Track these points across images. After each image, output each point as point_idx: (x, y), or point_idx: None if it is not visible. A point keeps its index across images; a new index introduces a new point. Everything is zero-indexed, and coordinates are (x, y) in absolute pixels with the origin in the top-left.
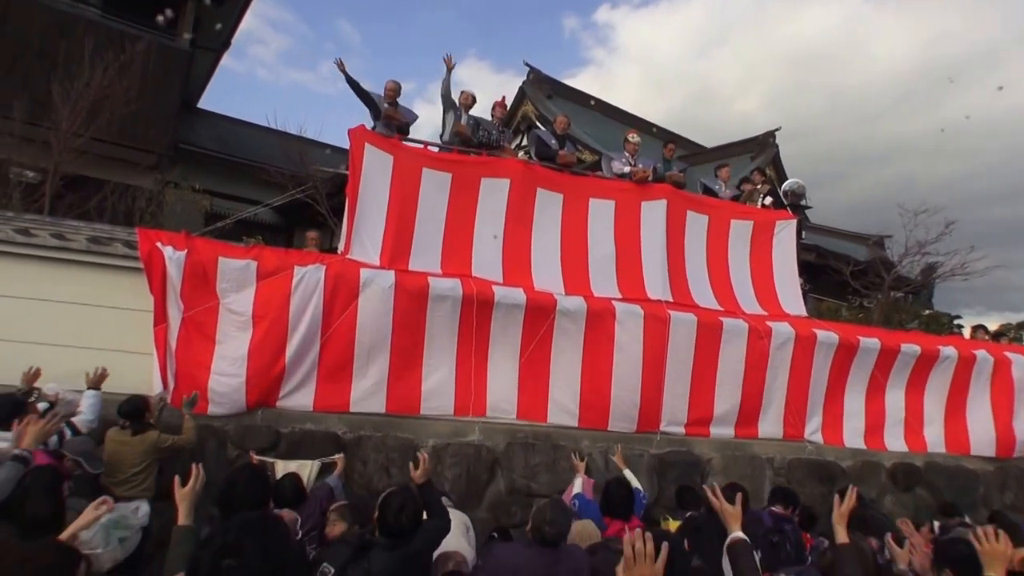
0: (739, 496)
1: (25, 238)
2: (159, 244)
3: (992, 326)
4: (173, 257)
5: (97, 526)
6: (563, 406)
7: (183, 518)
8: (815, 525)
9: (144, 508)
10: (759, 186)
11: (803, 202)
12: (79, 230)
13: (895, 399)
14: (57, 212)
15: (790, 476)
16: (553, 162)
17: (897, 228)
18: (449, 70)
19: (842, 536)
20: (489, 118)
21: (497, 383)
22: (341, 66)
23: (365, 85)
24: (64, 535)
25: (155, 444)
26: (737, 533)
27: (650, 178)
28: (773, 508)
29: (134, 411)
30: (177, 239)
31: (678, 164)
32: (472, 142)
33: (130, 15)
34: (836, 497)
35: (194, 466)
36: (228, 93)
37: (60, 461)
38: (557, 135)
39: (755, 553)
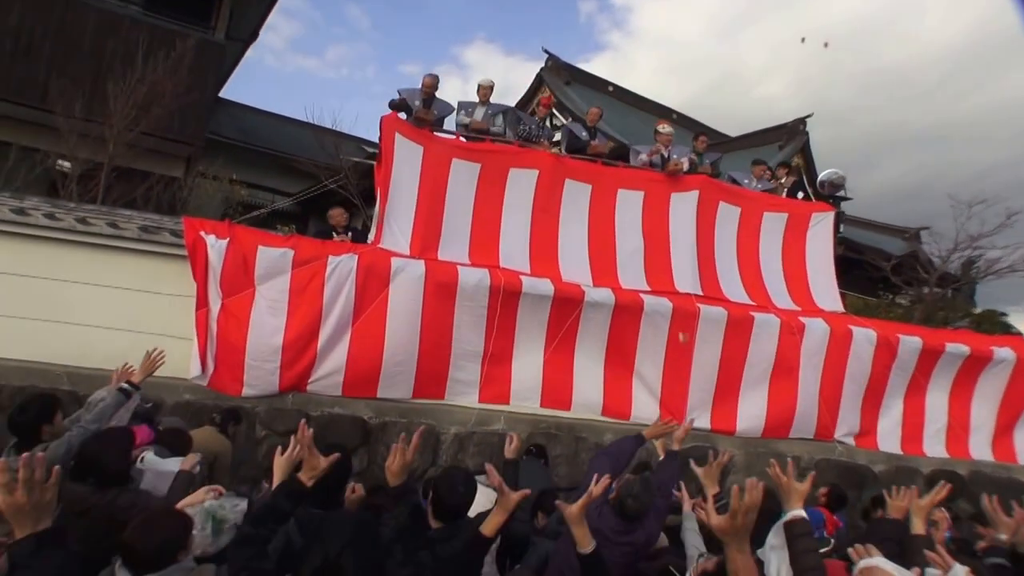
0: (811, 475)
1: (84, 227)
2: (203, 232)
3: None
4: (215, 245)
5: (199, 508)
6: (587, 397)
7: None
8: (843, 506)
9: (242, 505)
10: (783, 180)
11: (841, 193)
12: (131, 219)
13: (937, 402)
14: (107, 203)
15: (818, 478)
16: (584, 154)
17: (938, 218)
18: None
19: (919, 527)
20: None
21: (522, 372)
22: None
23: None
24: (178, 505)
25: None
26: (799, 511)
27: (684, 170)
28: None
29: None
30: (220, 227)
31: (710, 156)
32: (492, 132)
33: (170, 12)
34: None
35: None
36: (242, 80)
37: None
38: (588, 127)
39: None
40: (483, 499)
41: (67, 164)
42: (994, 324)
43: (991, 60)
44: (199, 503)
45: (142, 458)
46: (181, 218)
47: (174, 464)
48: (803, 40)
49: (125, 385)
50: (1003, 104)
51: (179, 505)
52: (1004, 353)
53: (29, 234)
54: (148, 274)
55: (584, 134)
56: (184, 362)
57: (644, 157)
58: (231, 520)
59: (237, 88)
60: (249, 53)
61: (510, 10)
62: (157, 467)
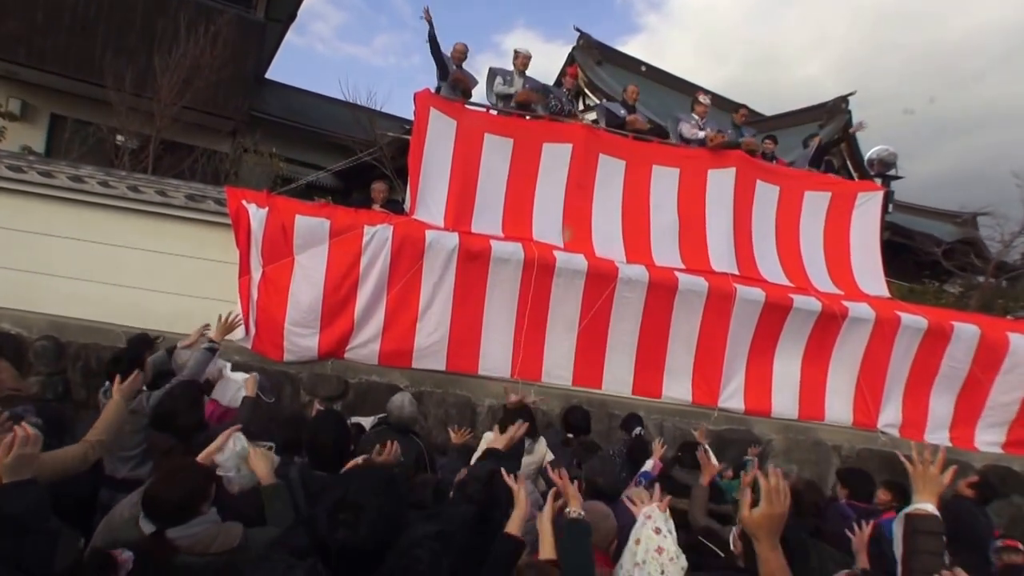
0: (953, 468)
1: (135, 194)
2: (244, 202)
3: None
4: (256, 214)
5: (231, 453)
6: (618, 374)
7: (267, 478)
8: (991, 501)
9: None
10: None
11: (892, 172)
12: (179, 188)
13: (996, 395)
14: (156, 175)
15: (859, 466)
16: (621, 127)
17: (996, 204)
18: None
19: None
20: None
21: (554, 348)
22: (428, 16)
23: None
24: (201, 456)
25: None
26: (928, 505)
27: (729, 138)
28: (852, 502)
29: None
30: (259, 197)
31: (748, 130)
32: (533, 108)
33: None
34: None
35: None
36: (292, 66)
37: None
38: (628, 104)
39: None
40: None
41: (122, 138)
42: None
43: None
44: (222, 444)
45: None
46: (224, 188)
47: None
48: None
49: (209, 343)
50: None
51: (206, 453)
52: None
53: (86, 200)
54: (195, 240)
55: (623, 112)
56: None
57: (685, 128)
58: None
59: (288, 72)
60: (299, 40)
61: None
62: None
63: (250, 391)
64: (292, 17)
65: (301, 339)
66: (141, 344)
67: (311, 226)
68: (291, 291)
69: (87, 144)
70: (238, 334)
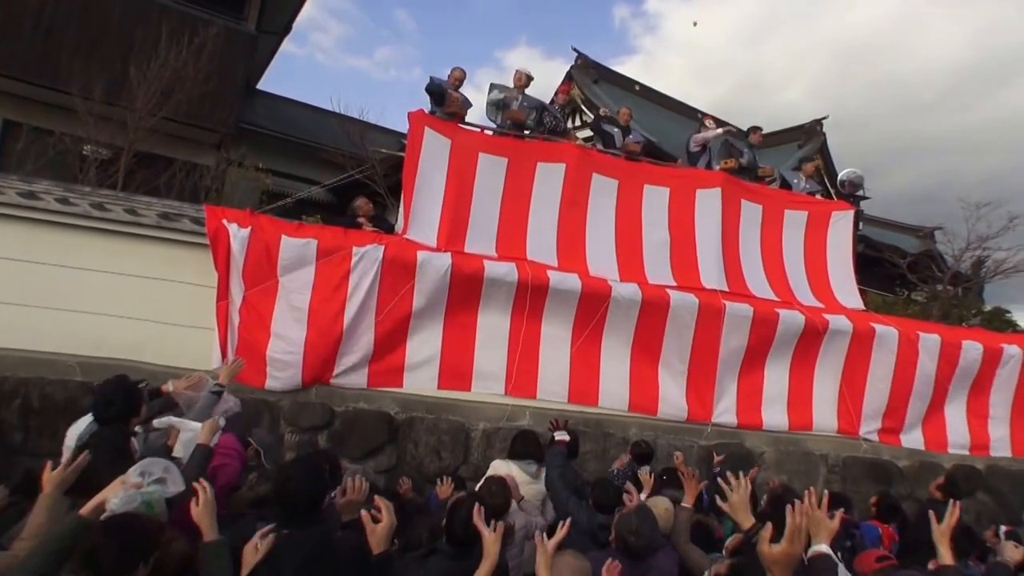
0: (839, 513)
1: (100, 213)
2: (225, 221)
3: None
4: (237, 234)
5: (129, 497)
6: (613, 392)
7: (209, 533)
8: (896, 515)
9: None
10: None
11: (860, 192)
12: (150, 206)
13: (957, 399)
14: (128, 188)
15: (845, 474)
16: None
17: (948, 220)
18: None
19: (947, 557)
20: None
21: (548, 367)
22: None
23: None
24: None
25: None
26: (822, 547)
27: (744, 162)
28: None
29: None
30: (242, 216)
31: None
32: (527, 126)
33: (201, 1)
34: (931, 513)
35: (198, 484)
36: (290, 77)
37: (245, 448)
38: (620, 125)
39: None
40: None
41: (96, 150)
42: (1002, 322)
43: (989, 75)
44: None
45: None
46: (202, 205)
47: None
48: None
49: (215, 386)
50: (1004, 116)
51: (96, 500)
52: (1012, 350)
53: (39, 219)
54: (168, 262)
55: (616, 131)
56: (206, 352)
57: (699, 136)
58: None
59: (287, 84)
60: (299, 50)
61: (549, 15)
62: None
63: (203, 439)
64: (287, 29)
65: (285, 365)
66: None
67: (297, 247)
68: (275, 315)
69: (47, 154)
70: (214, 362)
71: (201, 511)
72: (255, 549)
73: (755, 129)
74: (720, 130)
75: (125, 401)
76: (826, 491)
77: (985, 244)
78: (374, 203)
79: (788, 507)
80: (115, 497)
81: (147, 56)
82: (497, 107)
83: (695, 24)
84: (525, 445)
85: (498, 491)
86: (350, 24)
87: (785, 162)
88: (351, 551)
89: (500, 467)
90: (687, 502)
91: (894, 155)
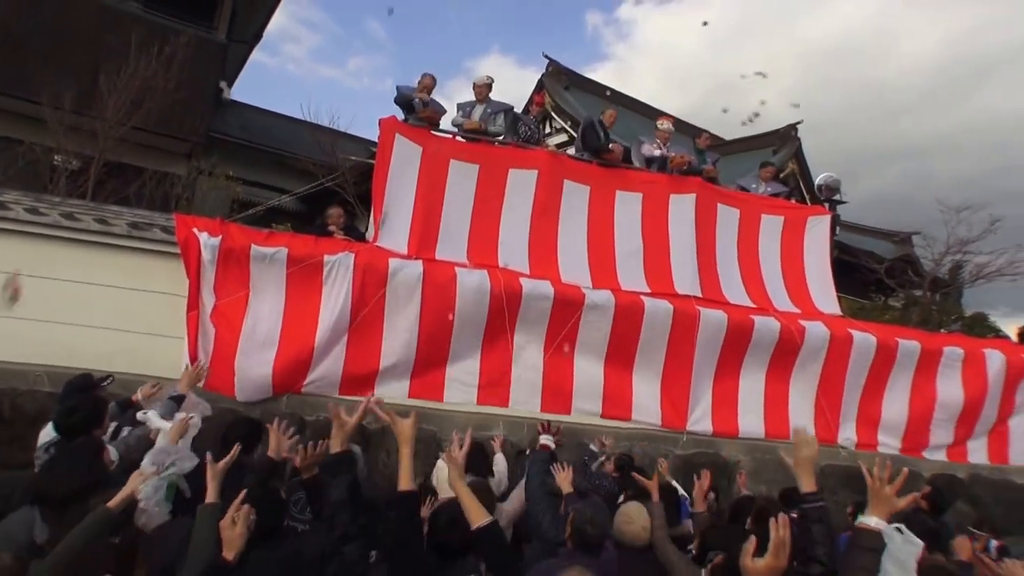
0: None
1: (70, 222)
2: (195, 230)
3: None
4: (208, 243)
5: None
6: (587, 400)
7: (211, 496)
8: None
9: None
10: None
11: (837, 197)
12: (120, 215)
13: (937, 405)
14: (98, 198)
15: (823, 483)
16: (596, 153)
17: (925, 224)
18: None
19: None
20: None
21: (521, 375)
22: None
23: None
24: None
25: None
26: (876, 520)
27: (692, 163)
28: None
29: None
30: (212, 225)
31: (711, 155)
32: (497, 131)
33: (171, 9)
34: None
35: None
36: (262, 87)
37: None
38: (604, 128)
39: None
40: None
41: (66, 159)
42: (984, 327)
43: (965, 78)
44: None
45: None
46: (172, 215)
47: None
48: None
49: (174, 394)
50: (980, 118)
51: (122, 494)
52: (995, 356)
53: (8, 229)
54: (138, 272)
55: (602, 133)
56: (177, 362)
57: (647, 148)
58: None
59: (258, 94)
60: (271, 61)
61: (522, 24)
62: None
63: (172, 439)
64: (257, 38)
65: (256, 374)
66: (84, 390)
67: (267, 256)
68: (245, 324)
69: (17, 164)
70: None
71: (212, 472)
72: (232, 523)
73: (701, 133)
74: (658, 152)
75: (88, 412)
76: (904, 468)
77: (965, 248)
78: (345, 212)
79: (772, 520)
80: (142, 487)
81: (117, 65)
82: (457, 127)
83: (704, 24)
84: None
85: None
86: (322, 34)
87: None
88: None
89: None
90: (655, 498)
91: (871, 159)
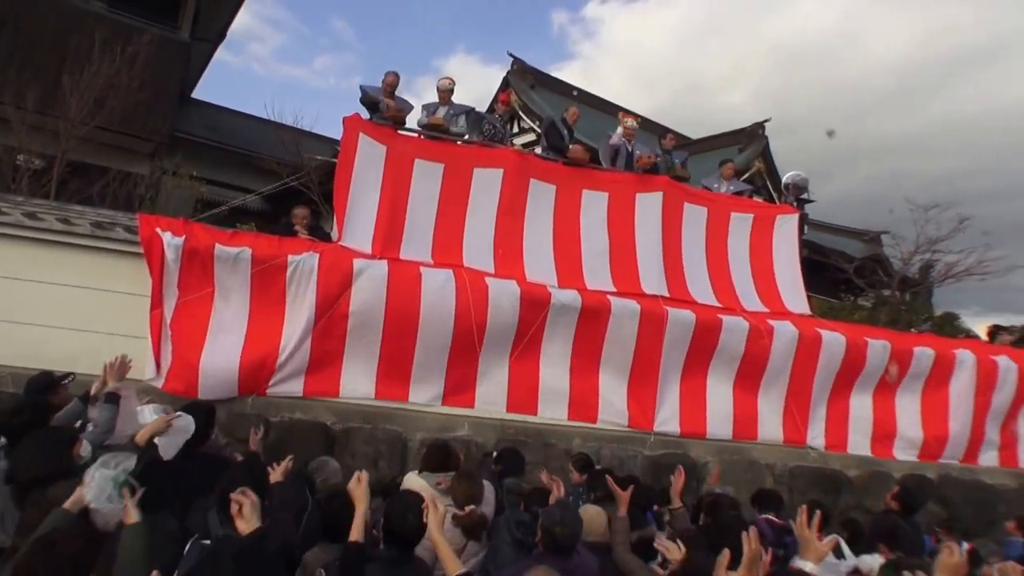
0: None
1: (33, 222)
2: (158, 230)
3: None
4: (171, 243)
5: (99, 477)
6: (553, 400)
7: (131, 514)
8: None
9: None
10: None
11: (805, 195)
12: (83, 215)
13: (906, 405)
14: (61, 198)
15: (792, 484)
16: (561, 153)
17: (895, 224)
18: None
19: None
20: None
21: (487, 375)
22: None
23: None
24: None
25: None
26: (809, 565)
27: (657, 163)
28: (768, 516)
29: None
30: (176, 225)
31: (678, 154)
32: (460, 132)
33: (134, 9)
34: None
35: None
36: (227, 86)
37: None
38: (568, 126)
39: None
40: None
41: (29, 159)
42: (953, 327)
43: (932, 78)
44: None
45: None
46: (136, 214)
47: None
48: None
49: (107, 395)
50: (948, 118)
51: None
52: (965, 356)
53: None
54: (101, 272)
55: (565, 132)
56: (141, 362)
57: (614, 139)
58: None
59: (223, 93)
60: (236, 60)
61: (488, 22)
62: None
63: (140, 439)
64: (221, 37)
65: (221, 375)
66: (44, 388)
67: (232, 256)
68: (211, 324)
69: None
70: (148, 372)
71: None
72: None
73: (667, 132)
74: (620, 131)
75: (32, 413)
76: (818, 511)
77: (934, 247)
78: (311, 212)
79: (744, 535)
80: (87, 489)
81: (80, 65)
82: (426, 127)
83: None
84: (437, 458)
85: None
86: (288, 33)
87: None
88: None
89: (412, 481)
90: (621, 512)
91: (840, 158)
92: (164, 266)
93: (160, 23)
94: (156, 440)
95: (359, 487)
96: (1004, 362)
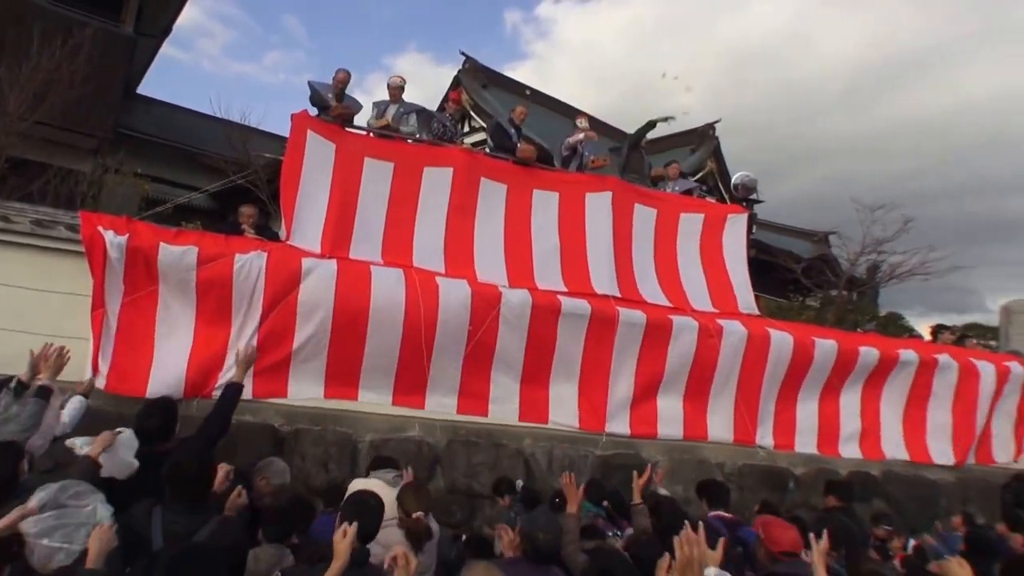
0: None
1: None
2: (101, 228)
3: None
4: (114, 241)
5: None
6: (504, 401)
7: (94, 559)
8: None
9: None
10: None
11: (754, 196)
12: (23, 212)
13: (851, 404)
14: (0, 195)
15: (741, 482)
16: (510, 152)
17: (843, 224)
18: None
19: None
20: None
21: (438, 375)
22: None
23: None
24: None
25: None
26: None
27: (606, 166)
28: (718, 512)
29: None
30: (119, 223)
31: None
32: (409, 132)
33: (75, 2)
34: (812, 536)
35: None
36: (174, 82)
37: None
38: (515, 125)
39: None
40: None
41: None
42: (897, 327)
43: (881, 80)
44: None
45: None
46: (77, 212)
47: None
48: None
49: (38, 388)
50: (897, 120)
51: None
52: (908, 355)
53: None
54: (41, 271)
55: (512, 131)
56: (82, 364)
57: (570, 140)
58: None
59: (171, 90)
60: (185, 56)
61: (441, 21)
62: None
63: (93, 452)
64: (167, 32)
65: (166, 376)
66: None
67: (177, 255)
68: (156, 325)
69: None
70: (88, 373)
71: (98, 540)
72: None
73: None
74: (582, 135)
75: None
76: (700, 523)
77: (880, 248)
78: (259, 210)
79: (677, 539)
80: (28, 526)
81: (19, 59)
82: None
83: None
84: (382, 460)
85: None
86: (238, 29)
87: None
88: None
89: (359, 484)
90: (571, 510)
91: (792, 159)
92: (107, 265)
93: (102, 16)
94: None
95: (343, 541)
96: (944, 360)
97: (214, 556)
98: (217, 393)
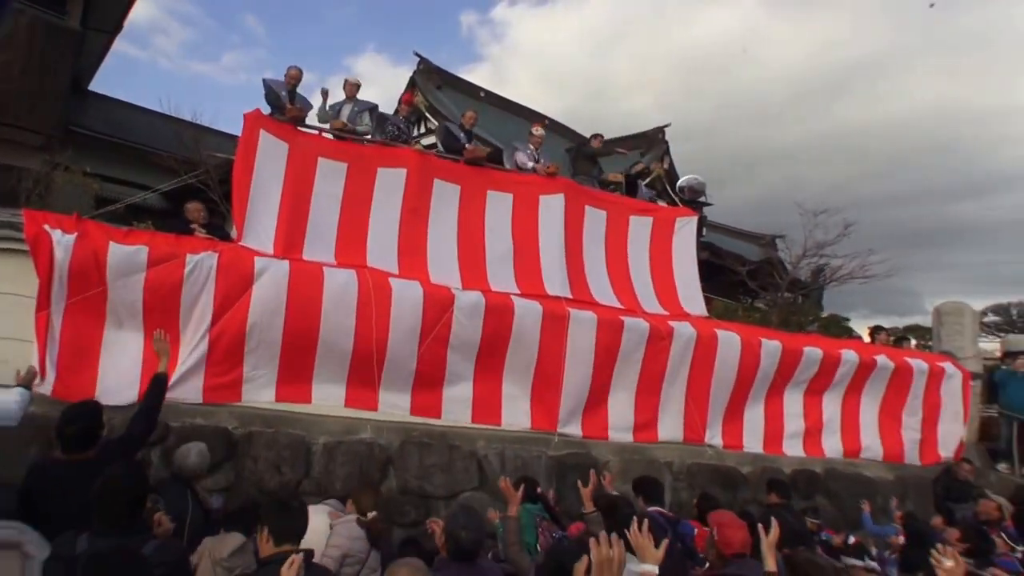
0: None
1: None
2: (46, 227)
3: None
4: (61, 241)
5: None
6: (457, 402)
7: None
8: None
9: None
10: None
11: (702, 199)
12: None
13: (794, 403)
14: None
15: (690, 481)
16: (460, 155)
17: (790, 229)
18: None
19: (771, 565)
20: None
21: (391, 377)
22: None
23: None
24: None
25: None
26: (649, 568)
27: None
28: (657, 508)
29: None
30: (66, 222)
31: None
32: (363, 131)
33: None
34: (760, 527)
35: None
36: (130, 80)
37: None
38: (465, 129)
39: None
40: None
41: None
42: (839, 328)
43: (828, 88)
44: None
45: None
46: (20, 210)
47: None
48: None
49: None
50: (843, 126)
51: None
52: (849, 355)
53: None
54: None
55: (462, 135)
56: (21, 364)
57: (520, 157)
58: None
59: (127, 88)
60: (141, 54)
61: (397, 22)
62: None
63: None
64: (118, 28)
65: (118, 378)
66: None
67: (127, 255)
68: (105, 326)
69: None
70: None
71: None
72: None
73: (596, 136)
74: (531, 164)
75: None
76: (646, 519)
77: (822, 251)
78: (210, 210)
79: (592, 540)
80: None
81: None
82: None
83: (931, 5)
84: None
85: None
86: (195, 28)
87: (629, 170)
88: None
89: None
90: (511, 512)
91: (742, 164)
92: (53, 265)
93: (44, 9)
94: None
95: (290, 570)
96: (882, 360)
97: (142, 561)
98: (170, 394)
